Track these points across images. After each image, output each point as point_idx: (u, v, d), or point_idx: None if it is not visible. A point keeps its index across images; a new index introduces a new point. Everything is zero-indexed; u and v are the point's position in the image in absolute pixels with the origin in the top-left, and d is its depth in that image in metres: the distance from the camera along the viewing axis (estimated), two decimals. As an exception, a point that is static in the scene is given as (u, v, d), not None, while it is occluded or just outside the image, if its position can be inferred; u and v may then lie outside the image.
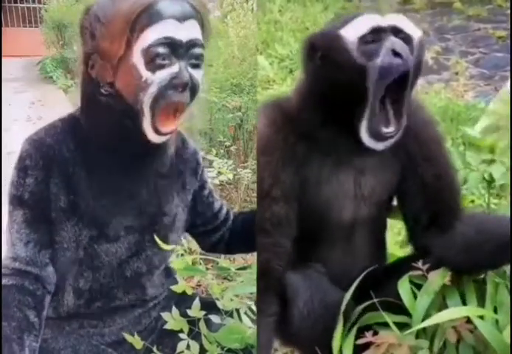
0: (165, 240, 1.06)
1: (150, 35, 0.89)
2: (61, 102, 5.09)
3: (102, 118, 0.98)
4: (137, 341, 1.01)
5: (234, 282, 1.24)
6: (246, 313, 1.02)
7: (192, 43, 0.92)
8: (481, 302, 1.07)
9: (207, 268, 1.14)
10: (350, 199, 1.11)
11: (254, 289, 1.03)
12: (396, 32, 1.00)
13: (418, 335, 1.04)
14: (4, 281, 0.97)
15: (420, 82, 3.65)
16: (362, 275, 1.07)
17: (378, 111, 1.00)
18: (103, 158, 1.01)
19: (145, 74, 0.89)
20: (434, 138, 1.14)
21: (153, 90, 0.91)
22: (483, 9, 4.71)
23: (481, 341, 1.01)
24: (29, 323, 0.95)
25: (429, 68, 4.05)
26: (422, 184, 1.12)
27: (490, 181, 1.33)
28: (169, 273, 1.17)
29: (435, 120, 1.18)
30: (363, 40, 0.98)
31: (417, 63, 1.00)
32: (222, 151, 2.85)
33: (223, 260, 1.22)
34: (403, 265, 1.14)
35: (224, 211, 1.25)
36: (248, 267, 1.24)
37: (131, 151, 1.01)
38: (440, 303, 1.07)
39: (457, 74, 3.93)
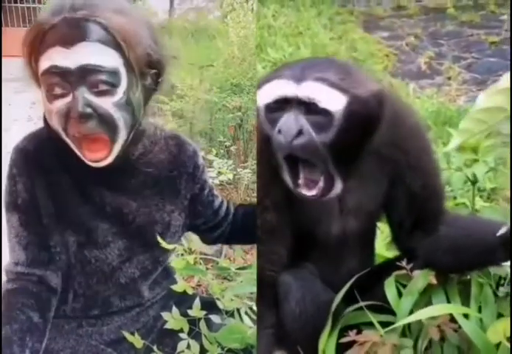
0: (157, 246, 1.04)
1: (42, 65, 0.87)
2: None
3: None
4: (137, 340, 1.01)
5: (234, 282, 1.24)
6: (246, 313, 1.02)
7: (86, 70, 0.86)
8: (466, 302, 1.08)
9: (207, 268, 1.14)
10: (336, 215, 1.11)
11: (254, 289, 1.02)
12: (305, 103, 0.96)
13: (404, 334, 1.05)
14: (8, 286, 0.98)
15: (413, 86, 3.69)
16: (353, 278, 1.08)
17: (293, 177, 1.01)
18: (86, 168, 0.99)
19: (46, 105, 0.88)
20: (421, 146, 1.13)
21: (55, 121, 0.89)
22: (476, 15, 4.72)
23: (465, 340, 1.01)
24: (31, 324, 0.95)
25: (422, 72, 4.09)
26: (408, 193, 1.12)
27: (474, 182, 1.34)
28: (168, 274, 1.17)
29: (423, 127, 1.18)
30: (268, 107, 0.98)
31: (340, 134, 0.96)
32: (222, 151, 2.85)
33: (223, 260, 1.22)
34: (390, 267, 1.15)
35: (224, 207, 1.25)
36: (248, 267, 1.24)
37: (113, 167, 0.98)
38: (425, 303, 1.08)
39: (449, 79, 3.97)
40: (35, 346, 0.94)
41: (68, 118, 0.87)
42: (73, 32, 0.85)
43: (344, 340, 1.03)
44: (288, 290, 1.06)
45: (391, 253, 1.29)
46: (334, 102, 0.95)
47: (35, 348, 0.94)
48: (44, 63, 0.86)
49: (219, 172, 2.26)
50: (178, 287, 1.02)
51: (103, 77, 0.86)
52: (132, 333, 1.05)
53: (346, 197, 1.10)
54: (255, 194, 1.22)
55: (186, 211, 1.13)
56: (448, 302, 1.08)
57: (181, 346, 0.99)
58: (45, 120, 0.99)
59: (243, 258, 2.01)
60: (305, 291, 1.06)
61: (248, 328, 1.00)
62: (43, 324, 0.96)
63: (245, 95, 3.04)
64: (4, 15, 7.70)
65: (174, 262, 1.03)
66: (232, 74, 3.24)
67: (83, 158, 0.94)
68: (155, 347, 1.02)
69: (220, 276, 1.47)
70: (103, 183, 1.02)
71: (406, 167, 1.10)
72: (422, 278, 1.08)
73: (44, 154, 1.00)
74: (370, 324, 1.05)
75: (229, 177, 2.26)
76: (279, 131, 0.96)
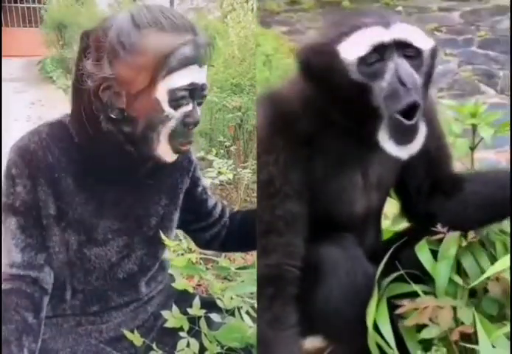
0: (155, 240, 1.08)
1: (178, 79, 0.93)
2: (61, 102, 5.09)
3: (101, 139, 0.97)
4: (137, 338, 1.01)
5: (234, 281, 1.24)
6: (247, 312, 1.02)
7: (204, 87, 0.98)
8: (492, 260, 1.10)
9: (207, 268, 1.14)
10: (360, 192, 1.10)
11: (254, 289, 1.02)
12: (402, 47, 0.92)
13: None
14: (2, 287, 0.98)
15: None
16: (392, 248, 1.06)
17: (394, 127, 0.94)
18: (89, 166, 1.01)
19: (168, 110, 0.94)
20: (430, 108, 1.12)
21: (172, 124, 0.95)
22: (371, 6, 4.69)
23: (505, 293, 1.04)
24: (27, 325, 0.95)
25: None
26: (425, 155, 1.09)
27: (472, 148, 1.35)
28: (163, 268, 1.18)
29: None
30: (364, 60, 0.92)
31: (427, 74, 0.96)
32: (222, 151, 2.85)
33: (223, 260, 1.22)
34: (400, 239, 1.13)
35: (219, 208, 1.26)
36: (248, 267, 1.24)
37: (119, 162, 1.01)
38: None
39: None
40: (32, 346, 0.94)
41: (183, 124, 0.96)
42: (202, 55, 0.96)
43: (401, 310, 1.00)
44: (336, 262, 1.01)
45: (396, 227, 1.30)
46: (424, 41, 0.94)
47: (31, 348, 0.94)
48: (181, 79, 0.93)
49: (219, 172, 2.26)
50: (178, 285, 1.02)
51: (207, 92, 1.00)
52: (131, 331, 1.05)
53: (369, 171, 1.09)
54: (255, 194, 1.22)
55: (180, 205, 1.15)
56: (476, 261, 1.10)
57: (181, 344, 0.99)
58: (75, 120, 1.00)
59: (243, 258, 2.01)
60: (354, 262, 1.02)
61: (248, 327, 1.00)
62: (37, 324, 0.97)
63: (245, 95, 3.04)
64: (4, 15, 7.72)
65: (174, 260, 1.03)
66: (232, 74, 3.24)
67: (162, 154, 0.97)
68: (154, 345, 1.02)
69: (220, 276, 1.47)
70: (106, 178, 1.03)
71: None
72: (453, 240, 1.08)
73: (46, 152, 0.99)
74: (404, 295, 1.04)
75: (229, 177, 2.26)
76: (401, 80, 0.90)
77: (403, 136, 0.95)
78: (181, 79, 0.93)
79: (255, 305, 1.03)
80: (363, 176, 1.09)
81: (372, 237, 1.19)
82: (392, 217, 1.34)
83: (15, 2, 8.34)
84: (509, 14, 4.44)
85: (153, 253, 1.11)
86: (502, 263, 1.04)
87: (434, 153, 1.14)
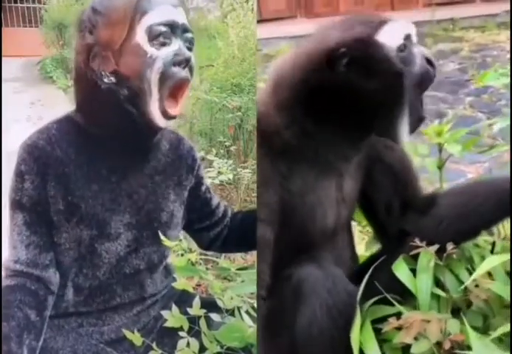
0: (164, 237, 1.07)
1: (153, 17, 0.96)
2: (61, 102, 5.09)
3: (105, 109, 0.99)
4: (137, 338, 1.01)
5: (234, 282, 1.24)
6: (246, 312, 1.02)
7: (185, 27, 0.99)
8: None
9: (207, 268, 1.14)
10: (333, 204, 1.11)
11: (254, 289, 1.02)
12: (412, 38, 1.03)
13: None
14: (6, 282, 0.98)
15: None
16: (370, 271, 1.06)
17: (413, 112, 1.02)
18: (100, 157, 1.02)
19: (150, 50, 0.95)
20: None
21: (159, 65, 0.95)
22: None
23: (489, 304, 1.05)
24: (29, 322, 0.95)
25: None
26: (390, 171, 1.14)
27: (440, 167, 1.38)
28: (168, 272, 1.18)
29: None
30: (400, 47, 1.00)
31: None
32: (222, 151, 2.85)
33: (223, 260, 1.22)
34: (378, 260, 1.13)
35: (222, 208, 1.26)
36: (248, 267, 1.24)
37: (129, 147, 1.04)
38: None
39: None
40: (32, 344, 0.94)
41: (172, 64, 0.96)
42: None
43: (388, 327, 1.00)
44: (316, 281, 1.00)
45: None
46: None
47: (32, 346, 0.94)
48: (155, 16, 0.96)
49: (219, 172, 2.26)
50: (178, 284, 1.02)
51: (192, 35, 1.01)
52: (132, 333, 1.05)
53: (343, 183, 1.11)
54: (255, 194, 1.23)
55: (185, 203, 1.16)
56: (456, 276, 1.10)
57: (181, 344, 0.99)
58: (80, 106, 1.03)
59: (243, 258, 2.01)
60: (335, 280, 1.00)
61: (248, 327, 1.00)
62: (40, 322, 0.97)
63: (245, 95, 3.04)
64: (4, 15, 7.71)
65: (174, 261, 1.03)
66: (232, 74, 3.24)
67: (156, 117, 0.98)
68: (154, 344, 1.02)
69: (220, 276, 1.47)
70: (119, 170, 1.04)
71: (382, 146, 1.13)
72: (430, 254, 1.08)
73: (55, 147, 1.00)
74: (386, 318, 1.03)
75: (229, 177, 2.26)
76: (430, 62, 1.02)
77: (418, 123, 1.04)
78: (155, 16, 0.96)
79: (255, 305, 1.03)
80: (337, 189, 1.10)
81: (346, 252, 1.18)
82: (365, 243, 1.36)
83: (15, 2, 8.33)
84: (450, 58, 5.16)
85: (161, 250, 1.11)
86: (484, 267, 1.03)
87: (400, 169, 1.15)
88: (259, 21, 5.47)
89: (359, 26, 1.01)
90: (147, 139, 1.06)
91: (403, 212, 1.17)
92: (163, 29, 0.95)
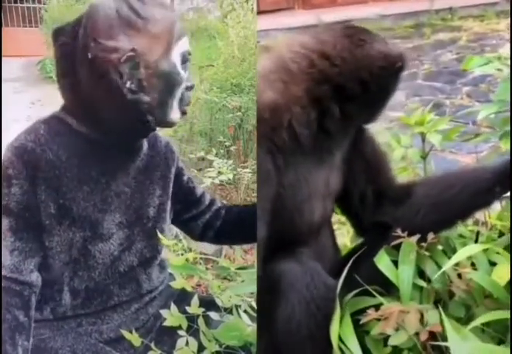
0: (154, 232, 1.10)
1: (184, 44, 1.04)
2: (61, 102, 5.09)
3: (116, 113, 1.00)
4: (135, 338, 1.01)
5: (234, 281, 1.24)
6: (245, 311, 1.02)
7: (190, 57, 1.07)
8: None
9: (207, 268, 1.14)
10: (319, 199, 1.11)
11: (254, 289, 1.02)
12: None
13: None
14: None
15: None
16: (349, 263, 1.06)
17: None
18: (91, 158, 1.02)
19: (181, 72, 1.02)
20: None
21: (183, 86, 1.03)
22: None
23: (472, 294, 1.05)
24: (19, 323, 0.95)
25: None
26: (361, 158, 1.14)
27: (424, 157, 1.37)
28: (163, 267, 1.18)
29: None
30: None
31: None
32: (222, 151, 2.85)
33: (223, 260, 1.22)
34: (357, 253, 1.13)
35: (207, 197, 1.29)
36: (248, 267, 1.24)
37: (119, 148, 1.06)
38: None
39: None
40: (25, 344, 0.95)
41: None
42: None
43: (366, 319, 0.99)
44: (295, 277, 1.00)
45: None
46: None
47: (24, 346, 0.94)
48: (186, 44, 1.05)
49: (219, 172, 2.26)
50: (176, 284, 1.02)
51: None
52: (131, 332, 1.05)
53: (330, 177, 1.11)
54: (255, 194, 1.23)
55: (170, 196, 1.17)
56: (438, 266, 1.09)
57: (180, 343, 0.99)
58: (80, 107, 1.02)
59: (243, 258, 2.01)
60: (313, 275, 1.00)
61: (246, 326, 1.00)
62: (27, 322, 0.97)
63: (245, 95, 3.04)
64: (4, 15, 7.71)
65: (173, 260, 1.03)
66: (232, 74, 3.24)
67: (174, 116, 1.04)
68: (152, 344, 1.02)
69: (220, 276, 1.47)
70: (108, 171, 1.05)
71: (357, 136, 1.14)
72: (412, 245, 1.08)
73: (45, 149, 0.98)
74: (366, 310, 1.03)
75: (229, 177, 2.26)
76: None
77: None
78: (185, 44, 1.04)
79: (253, 303, 1.03)
80: (325, 183, 1.10)
81: (329, 245, 1.19)
82: (349, 236, 1.36)
83: (15, 2, 8.33)
84: (449, 47, 5.09)
85: (153, 245, 1.11)
86: (462, 254, 1.03)
87: (372, 159, 1.15)
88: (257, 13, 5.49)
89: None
90: (137, 140, 1.09)
91: (378, 203, 1.16)
92: (188, 56, 1.04)
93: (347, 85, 1.03)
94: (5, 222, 0.97)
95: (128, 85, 0.96)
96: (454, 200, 1.12)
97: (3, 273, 0.97)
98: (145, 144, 1.13)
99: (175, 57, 1.01)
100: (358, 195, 1.17)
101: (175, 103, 1.03)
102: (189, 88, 1.05)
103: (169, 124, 1.07)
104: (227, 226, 1.27)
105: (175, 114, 1.04)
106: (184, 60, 1.03)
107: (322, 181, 1.09)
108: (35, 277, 1.00)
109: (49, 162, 0.98)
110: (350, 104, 1.04)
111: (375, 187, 1.16)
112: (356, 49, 1.03)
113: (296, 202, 1.07)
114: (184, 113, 1.06)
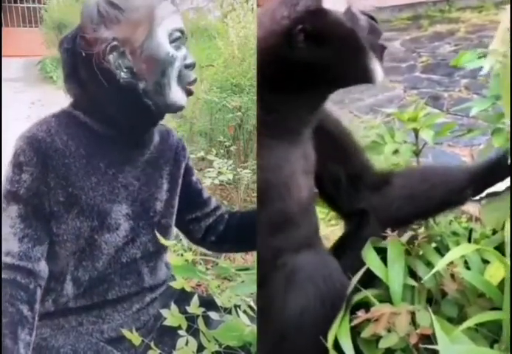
0: (159, 226, 1.11)
1: (171, 22, 1.03)
2: (61, 102, 5.09)
3: (117, 102, 1.02)
4: (135, 337, 1.01)
5: (234, 282, 1.24)
6: (244, 311, 1.02)
7: (186, 36, 1.07)
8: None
9: (207, 268, 1.14)
10: (302, 175, 1.08)
11: (254, 289, 1.03)
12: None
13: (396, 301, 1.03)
14: None
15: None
16: (333, 252, 1.06)
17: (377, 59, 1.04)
18: (99, 150, 1.04)
19: (171, 50, 1.02)
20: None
21: (178, 64, 1.03)
22: None
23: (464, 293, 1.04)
24: (22, 317, 0.95)
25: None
26: (331, 140, 1.13)
27: (417, 153, 1.35)
28: (167, 266, 1.19)
29: None
30: (346, 11, 1.02)
31: None
32: (222, 151, 2.85)
33: (223, 261, 1.22)
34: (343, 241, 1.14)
35: (214, 201, 1.29)
36: (248, 267, 1.24)
37: (129, 141, 1.07)
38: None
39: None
40: (27, 338, 0.94)
41: (184, 67, 1.05)
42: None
43: (356, 321, 0.98)
44: (314, 269, 0.99)
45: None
46: None
47: (26, 341, 0.94)
48: (174, 23, 1.04)
49: (219, 172, 2.26)
50: (176, 284, 1.02)
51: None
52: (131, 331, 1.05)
53: (307, 153, 1.09)
54: (255, 194, 1.23)
55: (178, 192, 1.18)
56: (431, 264, 1.09)
57: (180, 343, 0.99)
58: (85, 101, 1.05)
59: (243, 258, 2.02)
60: (331, 269, 1.00)
61: (246, 326, 1.00)
62: (31, 316, 0.96)
63: (245, 95, 3.04)
64: (4, 15, 7.71)
65: (173, 260, 1.03)
66: (232, 74, 3.24)
67: (177, 96, 1.04)
68: (152, 344, 1.02)
69: (220, 276, 1.47)
70: (116, 163, 1.06)
71: (323, 118, 1.12)
72: (401, 244, 1.07)
73: (55, 139, 1.00)
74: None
75: (229, 177, 2.26)
76: (372, 18, 1.04)
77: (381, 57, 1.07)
78: (173, 22, 1.04)
79: (252, 303, 1.03)
80: (303, 158, 1.08)
81: (318, 226, 1.15)
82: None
83: (15, 2, 8.34)
84: (446, 39, 5.00)
85: (157, 239, 1.10)
86: (454, 254, 1.01)
87: (340, 141, 1.14)
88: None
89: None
90: (146, 131, 1.10)
91: (354, 187, 1.15)
92: (179, 34, 1.03)
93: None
94: (14, 209, 0.99)
95: (119, 74, 1.00)
96: (428, 195, 1.12)
97: (9, 261, 0.98)
98: (156, 137, 1.14)
99: (161, 37, 1.01)
100: (331, 179, 1.15)
101: (173, 83, 1.03)
102: (188, 66, 1.05)
103: (174, 107, 1.05)
104: (230, 234, 1.27)
105: (176, 95, 1.04)
106: (174, 38, 1.03)
107: (300, 157, 1.07)
108: (43, 267, 1.00)
109: (59, 151, 1.00)
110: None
111: (348, 171, 1.15)
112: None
113: (281, 180, 1.06)
114: (189, 93, 1.06)
